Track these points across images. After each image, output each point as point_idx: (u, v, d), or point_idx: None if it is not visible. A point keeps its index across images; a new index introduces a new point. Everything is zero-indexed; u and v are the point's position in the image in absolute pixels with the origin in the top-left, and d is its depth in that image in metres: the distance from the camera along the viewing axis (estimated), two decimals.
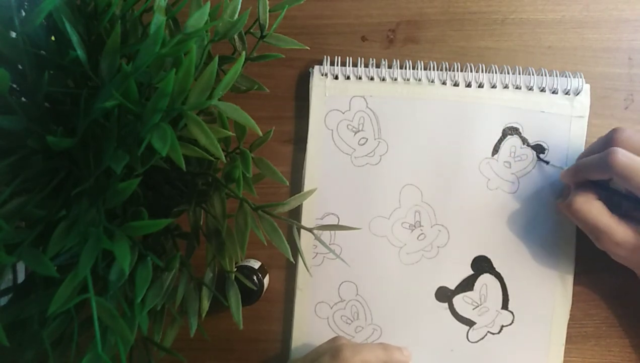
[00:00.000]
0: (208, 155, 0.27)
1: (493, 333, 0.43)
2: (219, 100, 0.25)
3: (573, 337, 0.43)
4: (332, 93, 0.44)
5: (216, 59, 0.26)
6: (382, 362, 0.38)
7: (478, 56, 0.44)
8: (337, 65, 0.44)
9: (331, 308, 0.44)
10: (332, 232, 0.44)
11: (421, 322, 0.44)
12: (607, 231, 0.36)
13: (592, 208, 0.37)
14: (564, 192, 0.42)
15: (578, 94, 0.43)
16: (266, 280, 0.44)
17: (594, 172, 0.37)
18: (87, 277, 0.23)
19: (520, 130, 0.43)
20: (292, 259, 0.32)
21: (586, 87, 0.43)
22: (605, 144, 0.37)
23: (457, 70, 0.43)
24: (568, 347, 0.43)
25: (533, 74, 0.43)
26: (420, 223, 0.44)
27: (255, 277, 0.42)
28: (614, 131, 0.37)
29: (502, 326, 0.43)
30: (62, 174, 0.27)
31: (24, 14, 0.25)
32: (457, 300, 0.44)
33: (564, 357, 0.43)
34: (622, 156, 0.34)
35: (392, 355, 0.39)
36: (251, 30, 0.35)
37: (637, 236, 0.36)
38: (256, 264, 0.43)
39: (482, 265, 0.43)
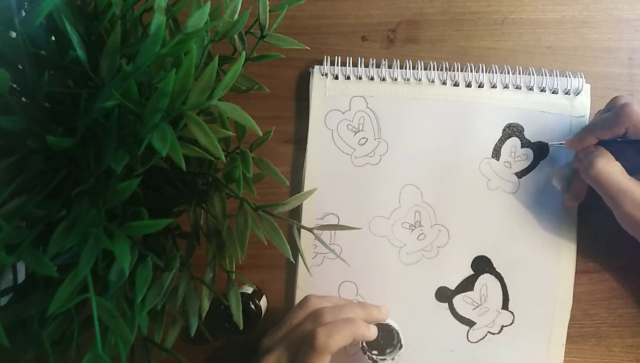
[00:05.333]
0: (208, 155, 0.27)
1: (493, 334, 0.43)
2: (219, 100, 0.25)
3: (573, 337, 0.43)
4: (332, 93, 0.44)
5: (216, 59, 0.26)
6: (353, 334, 0.36)
7: (478, 56, 0.44)
8: (337, 65, 0.44)
9: None
10: (332, 232, 0.44)
11: (421, 322, 0.44)
12: (630, 191, 0.36)
13: (614, 169, 0.36)
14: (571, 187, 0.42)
15: (578, 93, 0.43)
16: (263, 302, 0.44)
17: (608, 128, 0.36)
18: (87, 277, 0.23)
19: (521, 130, 0.43)
20: (292, 259, 0.32)
21: (586, 87, 0.43)
22: (609, 110, 0.38)
23: (457, 70, 0.43)
24: (568, 347, 0.43)
25: (533, 74, 0.43)
26: (420, 223, 0.44)
27: (251, 303, 0.41)
28: (615, 97, 0.38)
29: (502, 326, 0.43)
30: (62, 174, 0.27)
31: (24, 14, 0.25)
32: (457, 300, 0.44)
33: (564, 357, 0.43)
34: (638, 106, 0.34)
35: (370, 313, 0.39)
36: (251, 30, 0.35)
37: None
38: (250, 289, 0.43)
39: (482, 265, 0.43)
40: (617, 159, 0.37)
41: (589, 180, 0.38)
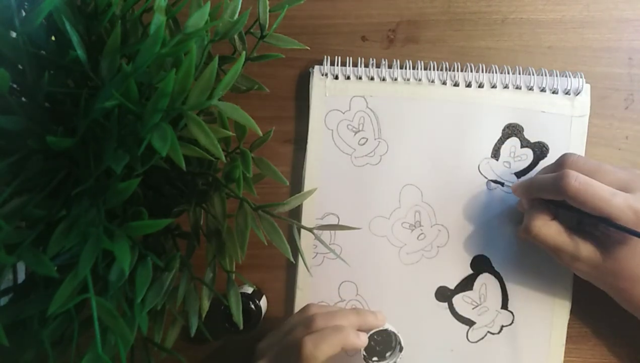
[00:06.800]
0: (208, 155, 0.27)
1: (493, 333, 0.43)
2: (219, 100, 0.25)
3: (573, 337, 0.43)
4: (332, 93, 0.44)
5: (216, 59, 0.26)
6: (342, 343, 0.36)
7: (478, 56, 0.44)
8: (337, 65, 0.44)
9: None
10: (332, 232, 0.44)
11: (421, 322, 0.44)
12: (567, 250, 0.37)
13: (550, 230, 0.37)
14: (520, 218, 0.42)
15: (578, 93, 0.43)
16: (263, 302, 0.43)
17: (547, 193, 0.37)
18: (87, 277, 0.23)
19: (521, 130, 0.43)
20: (292, 259, 0.32)
21: (586, 87, 0.43)
22: (556, 167, 0.38)
23: (457, 70, 0.43)
24: (568, 347, 0.43)
25: (533, 74, 0.43)
26: (420, 223, 0.44)
27: (251, 303, 0.41)
28: (562, 156, 0.38)
29: (502, 326, 0.43)
30: (62, 174, 0.27)
31: (24, 14, 0.25)
32: (457, 300, 0.44)
33: (564, 357, 0.43)
34: (574, 181, 0.34)
35: (365, 319, 0.39)
36: (251, 30, 0.35)
37: (597, 252, 0.36)
38: (250, 289, 0.43)
39: (481, 264, 0.43)
40: (558, 210, 0.38)
41: (528, 238, 0.38)
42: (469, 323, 0.44)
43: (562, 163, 0.38)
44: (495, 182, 0.43)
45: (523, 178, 0.42)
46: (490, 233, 0.43)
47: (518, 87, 0.43)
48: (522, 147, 0.43)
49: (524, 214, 0.40)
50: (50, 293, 0.24)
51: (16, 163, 0.26)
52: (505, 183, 0.42)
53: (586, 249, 0.36)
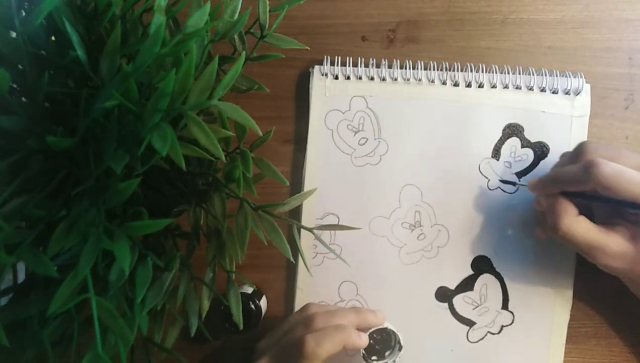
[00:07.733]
0: (208, 155, 0.27)
1: (493, 334, 0.43)
2: (219, 100, 0.25)
3: (573, 337, 0.43)
4: (332, 93, 0.44)
5: (216, 59, 0.26)
6: (343, 342, 0.36)
7: (478, 56, 0.44)
8: (337, 65, 0.44)
9: None
10: (332, 232, 0.44)
11: (421, 322, 0.44)
12: (598, 245, 0.35)
13: (580, 226, 0.35)
14: (537, 220, 0.42)
15: (578, 93, 0.43)
16: (263, 302, 0.43)
17: (573, 184, 0.35)
18: (87, 277, 0.23)
19: (521, 130, 0.43)
20: (292, 259, 0.32)
21: (586, 87, 0.43)
22: (575, 157, 0.37)
23: (457, 70, 0.43)
24: (568, 347, 0.43)
25: (533, 74, 0.43)
26: (420, 223, 0.44)
27: (251, 303, 0.41)
28: (581, 145, 0.37)
29: (502, 326, 0.43)
30: (62, 174, 0.27)
31: (24, 14, 0.25)
32: (457, 300, 0.44)
33: (564, 357, 0.43)
34: (606, 167, 0.33)
35: (365, 318, 0.39)
36: (251, 30, 0.35)
37: (626, 242, 0.35)
38: (250, 289, 0.43)
39: (481, 265, 0.43)
40: (582, 207, 0.36)
41: (557, 238, 0.37)
42: (469, 323, 0.43)
43: (583, 151, 0.36)
44: (506, 182, 0.42)
45: (534, 175, 0.41)
46: (491, 233, 0.43)
47: (518, 87, 0.43)
48: (522, 147, 0.43)
49: (546, 212, 0.38)
50: (50, 293, 0.24)
51: (16, 163, 0.26)
52: (517, 182, 0.42)
53: (616, 241, 0.35)
